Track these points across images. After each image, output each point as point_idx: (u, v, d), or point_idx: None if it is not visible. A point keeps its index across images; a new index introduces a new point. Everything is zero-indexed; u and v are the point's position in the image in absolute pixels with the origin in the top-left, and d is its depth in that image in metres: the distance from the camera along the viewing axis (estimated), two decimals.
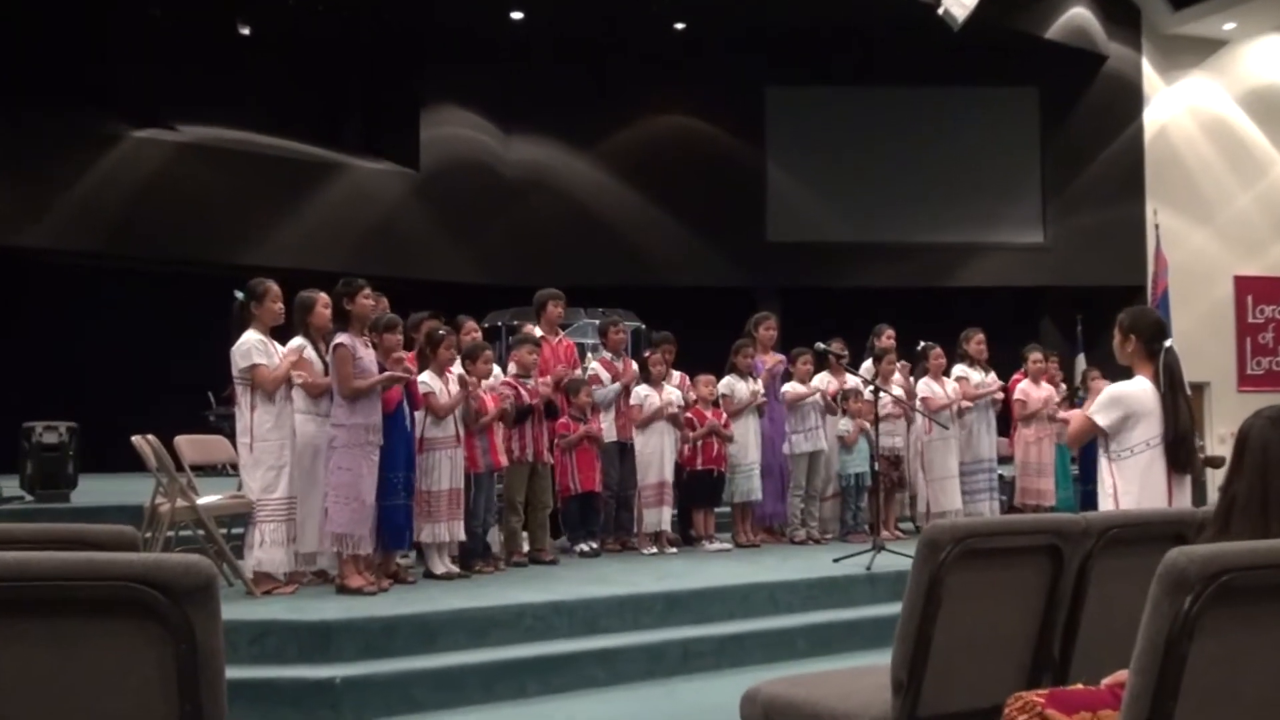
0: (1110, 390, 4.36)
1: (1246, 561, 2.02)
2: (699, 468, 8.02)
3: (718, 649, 5.74)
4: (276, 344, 6.10)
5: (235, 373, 5.96)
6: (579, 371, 8.03)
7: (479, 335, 7.53)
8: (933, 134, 16.00)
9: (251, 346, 5.92)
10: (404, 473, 6.12)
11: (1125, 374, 4.42)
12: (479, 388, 6.82)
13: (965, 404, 8.80)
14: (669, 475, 7.91)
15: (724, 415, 8.08)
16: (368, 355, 5.99)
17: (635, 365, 8.16)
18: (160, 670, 1.85)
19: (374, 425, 5.92)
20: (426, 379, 6.47)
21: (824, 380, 8.60)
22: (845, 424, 8.49)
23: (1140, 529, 3.08)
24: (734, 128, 16.08)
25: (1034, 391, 9.18)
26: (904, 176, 15.93)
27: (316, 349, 6.14)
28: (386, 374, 5.99)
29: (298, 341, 6.14)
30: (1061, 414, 8.57)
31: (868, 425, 8.21)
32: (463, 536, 6.53)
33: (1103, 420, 4.28)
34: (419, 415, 6.37)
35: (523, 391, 7.16)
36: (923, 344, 9.00)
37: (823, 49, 15.53)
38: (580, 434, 7.57)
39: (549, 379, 7.46)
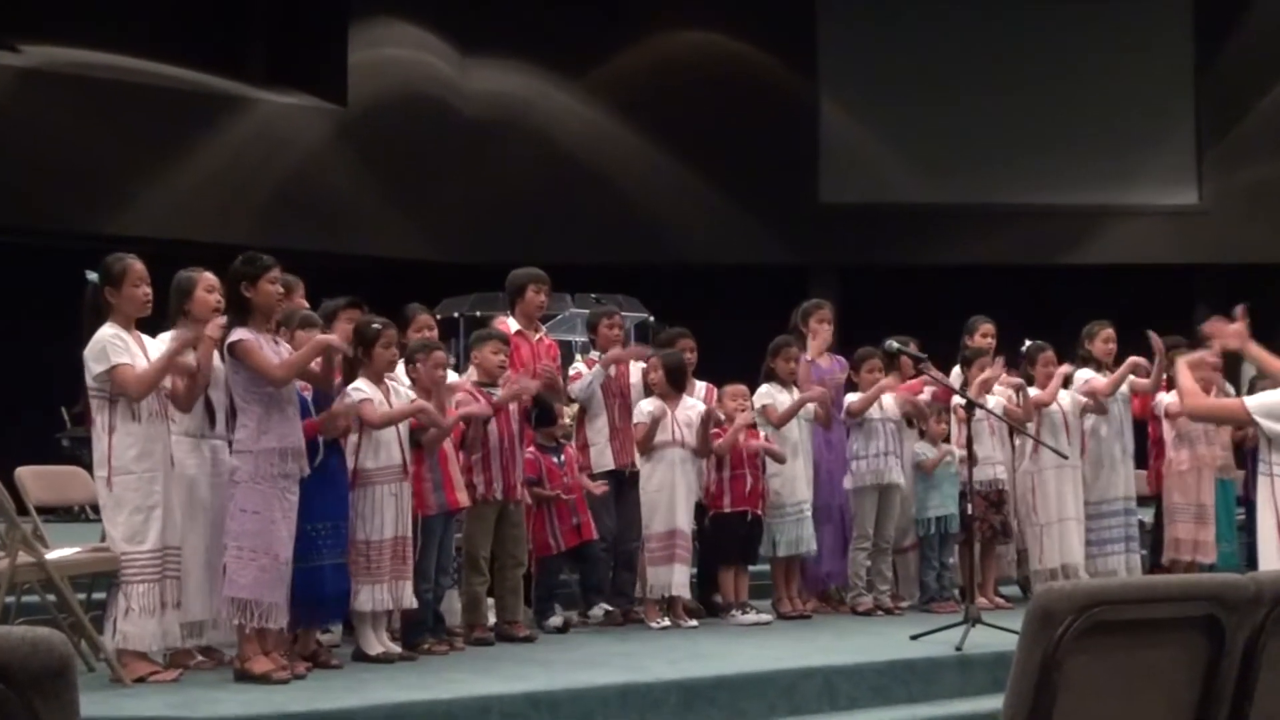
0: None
1: None
2: (727, 510, 8.03)
3: None
4: (145, 339, 6.06)
5: (90, 380, 5.93)
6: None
7: (435, 333, 7.54)
8: (1046, 59, 16.00)
9: (106, 344, 5.85)
10: (328, 522, 6.12)
11: None
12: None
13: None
14: (684, 521, 7.91)
15: (762, 435, 8.10)
16: (278, 355, 5.99)
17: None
18: None
19: (293, 450, 5.90)
20: (361, 386, 6.49)
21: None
22: (923, 447, 8.47)
23: None
24: (775, 49, 16.10)
25: None
26: (1005, 117, 15.93)
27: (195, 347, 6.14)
28: (322, 339, 5.97)
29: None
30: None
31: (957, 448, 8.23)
32: (413, 602, 6.54)
33: (1269, 423, 4.34)
34: (351, 438, 6.38)
35: (486, 404, 7.17)
36: (1003, 360, 8.98)
37: None
38: (552, 495, 7.55)
39: (519, 379, 7.43)
